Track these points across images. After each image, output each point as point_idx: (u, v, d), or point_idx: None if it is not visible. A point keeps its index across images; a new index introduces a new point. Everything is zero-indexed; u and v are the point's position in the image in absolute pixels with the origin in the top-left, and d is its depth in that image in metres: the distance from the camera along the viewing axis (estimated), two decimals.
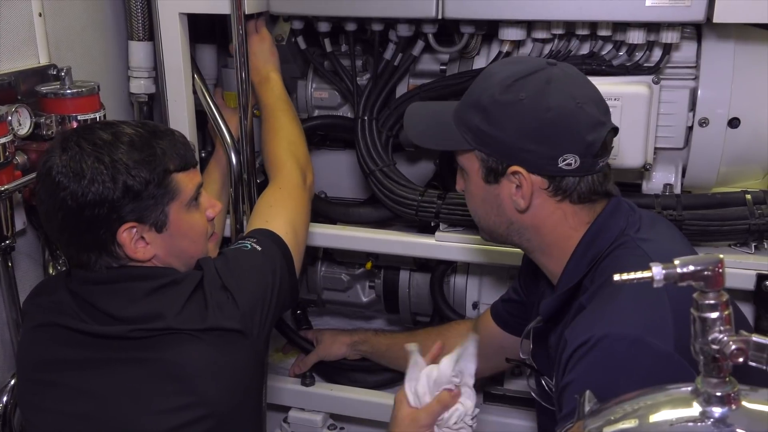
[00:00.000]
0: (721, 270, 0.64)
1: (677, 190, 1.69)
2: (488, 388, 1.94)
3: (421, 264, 1.98)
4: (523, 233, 1.28)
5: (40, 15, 1.68)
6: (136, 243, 1.29)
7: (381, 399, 1.94)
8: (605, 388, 0.91)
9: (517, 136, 1.20)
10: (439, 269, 1.89)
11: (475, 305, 1.93)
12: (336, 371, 2.01)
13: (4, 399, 1.59)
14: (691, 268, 0.64)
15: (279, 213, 1.54)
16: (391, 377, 1.98)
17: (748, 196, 1.58)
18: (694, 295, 0.66)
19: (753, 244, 1.59)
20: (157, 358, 1.26)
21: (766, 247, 1.59)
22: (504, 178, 1.24)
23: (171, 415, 1.25)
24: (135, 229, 1.28)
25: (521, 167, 1.21)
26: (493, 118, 1.21)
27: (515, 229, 1.28)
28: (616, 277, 0.68)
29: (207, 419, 1.26)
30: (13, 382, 1.60)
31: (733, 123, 1.59)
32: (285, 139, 1.69)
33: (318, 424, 1.99)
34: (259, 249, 1.42)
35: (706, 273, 0.64)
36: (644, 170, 1.63)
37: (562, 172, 1.20)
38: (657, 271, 0.64)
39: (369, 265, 1.98)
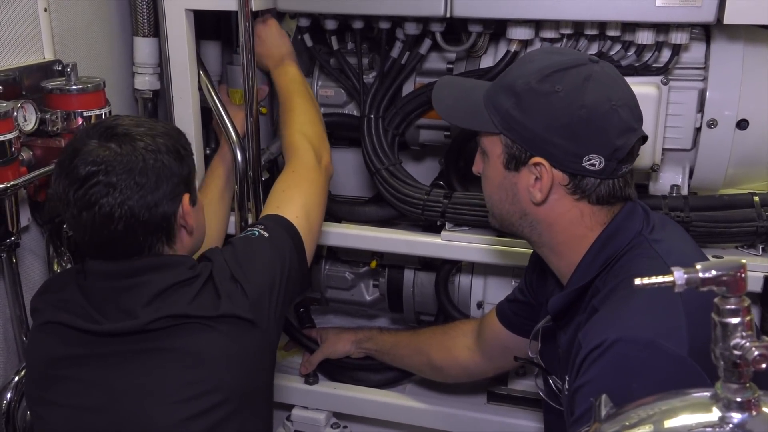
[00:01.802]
0: (743, 275, 0.64)
1: (684, 192, 1.69)
2: (492, 388, 1.94)
3: (425, 263, 1.97)
4: (536, 227, 1.26)
5: (45, 10, 1.67)
6: (189, 215, 1.34)
7: (385, 398, 1.94)
8: (618, 391, 0.90)
9: (546, 128, 1.18)
10: (444, 269, 1.88)
11: (479, 305, 1.92)
12: (339, 370, 2.00)
13: (8, 396, 1.58)
14: (714, 273, 0.63)
15: (291, 198, 1.53)
16: (395, 376, 1.97)
17: (756, 198, 1.58)
18: (715, 300, 0.65)
19: (760, 246, 1.58)
20: (172, 348, 1.26)
21: None
22: (525, 168, 1.22)
23: (189, 403, 1.25)
24: (188, 198, 1.33)
25: (544, 159, 1.19)
26: (525, 106, 1.19)
27: (528, 221, 1.26)
28: (637, 281, 0.67)
29: (226, 404, 1.27)
30: (16, 379, 1.59)
31: (742, 125, 1.58)
32: (298, 121, 1.68)
33: (321, 423, 1.98)
34: (267, 236, 1.42)
35: (728, 278, 0.63)
36: (652, 171, 1.63)
37: (584, 172, 1.19)
38: (679, 275, 0.64)
39: (374, 263, 1.97)
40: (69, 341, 1.31)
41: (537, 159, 1.20)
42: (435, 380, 1.90)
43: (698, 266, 0.64)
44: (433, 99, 1.39)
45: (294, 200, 1.53)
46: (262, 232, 1.43)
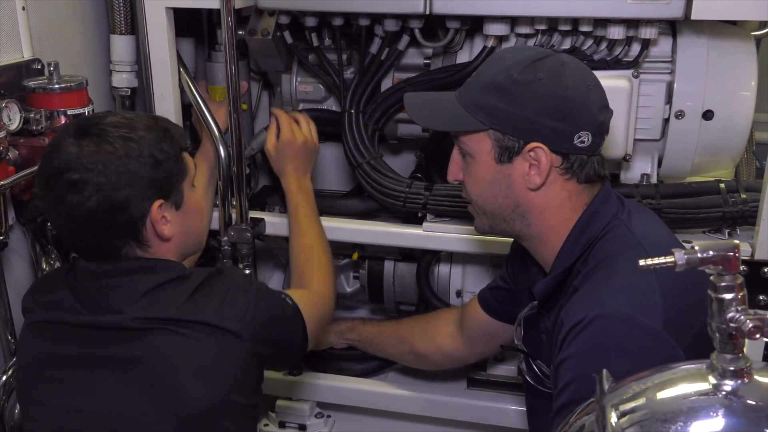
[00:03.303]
0: (737, 254, 0.70)
1: (653, 180, 1.76)
2: (472, 374, 1.99)
3: (405, 254, 2.02)
4: (526, 216, 1.31)
5: (23, 9, 1.66)
6: (164, 222, 1.33)
7: (368, 387, 1.98)
8: (599, 363, 0.97)
9: (538, 113, 1.24)
10: (425, 259, 1.93)
11: (458, 293, 1.97)
12: (323, 360, 2.03)
13: None
14: (711, 253, 0.69)
15: (308, 317, 1.50)
16: (378, 365, 2.01)
17: (722, 185, 1.66)
18: (711, 277, 0.71)
19: (726, 231, 1.66)
20: (151, 357, 1.26)
21: (738, 233, 1.66)
22: (519, 157, 1.27)
23: (162, 416, 1.26)
24: (162, 206, 1.31)
25: (542, 143, 1.25)
26: (512, 97, 1.24)
27: (520, 212, 1.31)
28: (642, 262, 0.73)
29: (192, 421, 1.26)
30: (4, 378, 1.59)
31: (707, 115, 1.66)
32: (323, 269, 1.68)
33: (306, 413, 2.01)
34: (291, 303, 1.44)
35: (723, 257, 0.70)
36: (624, 161, 1.70)
37: (575, 150, 1.26)
38: (680, 256, 0.70)
39: (356, 255, 2.01)
40: (59, 340, 1.32)
41: (533, 144, 1.25)
42: (418, 368, 1.95)
43: (696, 247, 0.70)
44: (410, 112, 1.42)
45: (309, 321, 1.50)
46: (293, 303, 1.45)
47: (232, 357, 1.30)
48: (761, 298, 1.62)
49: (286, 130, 1.76)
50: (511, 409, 1.90)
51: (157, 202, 1.30)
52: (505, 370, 2.00)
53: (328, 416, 2.06)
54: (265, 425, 2.06)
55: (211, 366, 1.27)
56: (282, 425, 2.04)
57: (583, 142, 1.25)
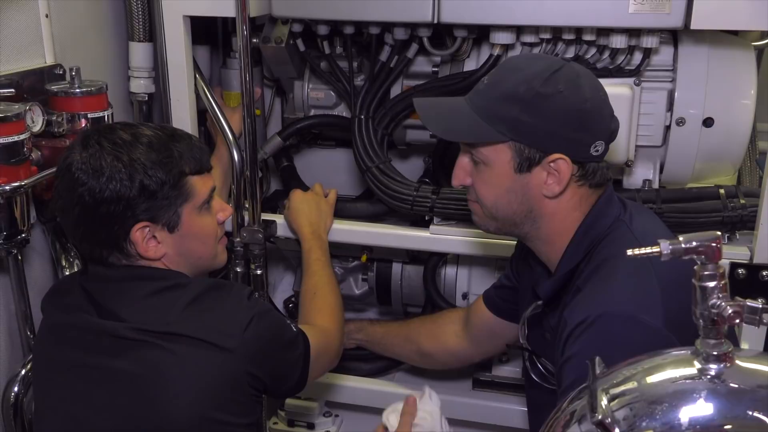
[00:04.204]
0: (719, 245, 0.74)
1: (655, 185, 1.80)
2: (477, 374, 2.03)
3: (413, 257, 2.06)
4: (537, 221, 1.34)
5: (46, 16, 1.73)
6: (148, 242, 1.34)
7: (375, 386, 2.02)
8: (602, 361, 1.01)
9: (560, 125, 1.27)
10: (432, 261, 1.98)
11: (464, 295, 2.02)
12: None
13: (16, 389, 1.62)
14: (694, 243, 0.74)
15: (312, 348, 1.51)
16: (385, 365, 2.06)
17: (722, 191, 1.70)
18: (695, 267, 0.76)
19: (726, 235, 1.70)
20: (140, 373, 1.29)
21: (737, 237, 1.71)
22: (538, 167, 1.29)
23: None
24: (148, 229, 1.33)
25: (564, 154, 1.28)
26: (535, 110, 1.26)
27: (532, 217, 1.34)
28: (629, 252, 0.77)
29: None
30: (23, 372, 1.64)
31: (708, 122, 1.70)
32: (336, 313, 1.72)
33: (314, 412, 2.06)
34: (295, 331, 1.45)
35: (706, 247, 0.74)
36: (626, 166, 1.74)
37: (591, 158, 1.30)
38: (665, 246, 0.74)
39: (365, 257, 2.05)
40: (66, 345, 1.37)
41: (556, 156, 1.28)
42: (424, 367, 1.99)
43: (681, 237, 0.74)
44: (424, 121, 1.43)
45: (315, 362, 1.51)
46: (299, 331, 1.47)
47: (221, 373, 1.29)
48: (760, 300, 1.65)
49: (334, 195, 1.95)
50: (516, 409, 1.94)
51: (139, 225, 1.32)
52: (510, 371, 2.04)
53: (336, 415, 2.10)
54: (274, 423, 2.10)
55: (197, 382, 1.28)
56: (291, 423, 2.09)
57: (597, 150, 1.29)
